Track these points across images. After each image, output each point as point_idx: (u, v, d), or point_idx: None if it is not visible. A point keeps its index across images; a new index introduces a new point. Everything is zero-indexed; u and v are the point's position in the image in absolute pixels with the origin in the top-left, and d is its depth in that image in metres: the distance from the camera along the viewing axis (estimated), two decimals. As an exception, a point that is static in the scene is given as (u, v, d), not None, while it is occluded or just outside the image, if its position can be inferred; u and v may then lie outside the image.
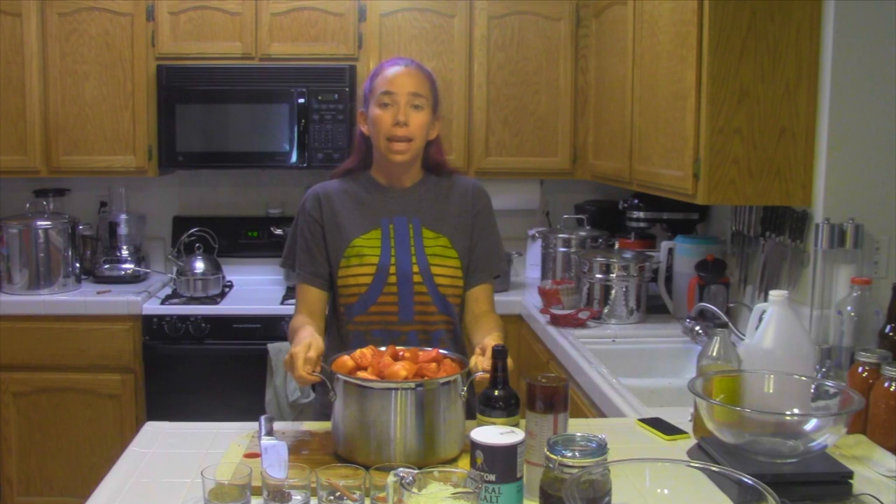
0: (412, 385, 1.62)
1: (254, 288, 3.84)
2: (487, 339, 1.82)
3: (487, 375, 1.64)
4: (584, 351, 2.66)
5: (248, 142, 3.62)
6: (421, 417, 1.61)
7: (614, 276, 3.10)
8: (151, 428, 1.94)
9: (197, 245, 3.68)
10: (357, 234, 2.06)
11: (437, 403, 1.63)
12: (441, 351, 1.77)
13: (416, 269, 2.03)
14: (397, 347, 1.80)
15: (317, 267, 2.09)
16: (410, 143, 2.02)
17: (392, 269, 2.03)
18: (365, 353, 1.75)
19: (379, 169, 2.12)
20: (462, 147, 3.70)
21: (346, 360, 1.73)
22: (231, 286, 3.83)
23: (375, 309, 2.03)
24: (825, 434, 1.54)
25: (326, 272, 2.09)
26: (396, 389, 1.61)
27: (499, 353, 1.59)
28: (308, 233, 2.10)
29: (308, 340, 1.75)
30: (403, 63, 2.07)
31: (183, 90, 3.57)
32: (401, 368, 1.67)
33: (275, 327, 3.41)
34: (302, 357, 1.70)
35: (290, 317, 3.33)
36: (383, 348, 1.79)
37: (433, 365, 1.70)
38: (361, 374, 1.68)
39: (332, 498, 1.43)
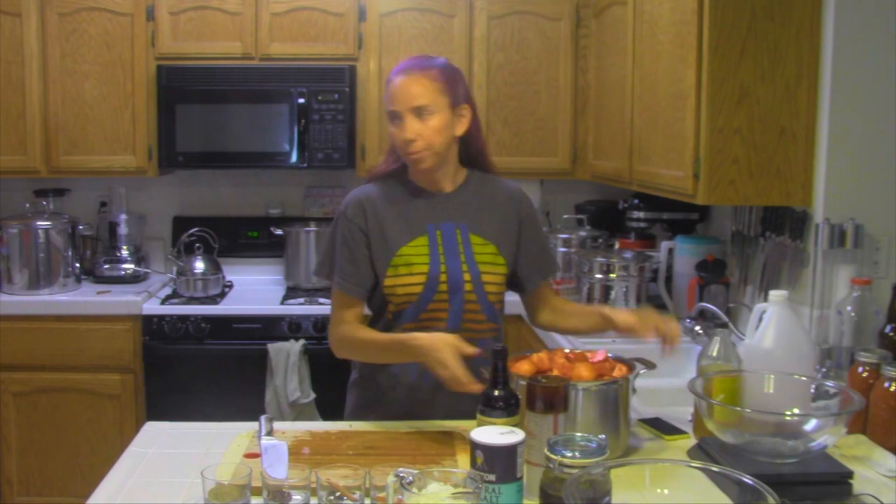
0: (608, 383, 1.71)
1: (254, 288, 3.84)
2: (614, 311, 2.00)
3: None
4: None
5: (248, 142, 3.62)
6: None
7: (614, 276, 3.10)
8: (151, 428, 1.95)
9: (197, 245, 3.68)
10: (404, 242, 2.01)
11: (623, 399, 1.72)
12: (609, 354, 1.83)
13: (467, 276, 2.00)
14: (566, 350, 1.85)
15: (361, 277, 2.02)
16: (429, 150, 1.96)
17: (443, 278, 1.98)
18: (542, 357, 1.78)
19: (414, 174, 2.07)
20: (462, 147, 3.69)
21: (524, 363, 1.77)
22: (231, 286, 3.83)
23: (425, 316, 2.00)
24: (825, 434, 1.54)
25: (370, 283, 2.03)
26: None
27: (499, 354, 1.59)
28: (352, 241, 2.02)
29: (456, 345, 1.80)
30: (405, 71, 1.97)
31: (183, 90, 3.57)
32: (584, 370, 1.72)
33: (275, 327, 3.41)
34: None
35: (290, 317, 3.39)
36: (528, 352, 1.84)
37: (607, 364, 1.78)
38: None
39: (332, 498, 1.43)
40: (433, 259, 1.99)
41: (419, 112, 1.94)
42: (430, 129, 1.95)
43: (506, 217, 2.08)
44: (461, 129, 2.01)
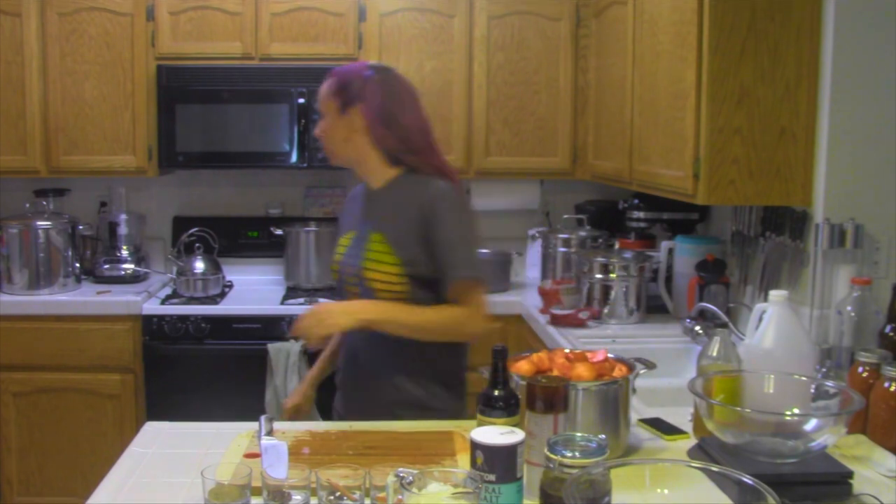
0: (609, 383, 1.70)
1: (254, 288, 3.84)
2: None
3: None
4: (584, 351, 2.66)
5: (248, 142, 3.62)
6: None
7: (614, 276, 3.10)
8: (151, 428, 1.95)
9: (197, 245, 3.68)
10: (341, 235, 2.25)
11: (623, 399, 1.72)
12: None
13: (350, 270, 2.13)
14: (566, 350, 1.84)
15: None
16: (326, 149, 2.19)
17: (345, 270, 2.17)
18: (542, 357, 1.77)
19: None
20: (462, 147, 3.70)
21: (524, 363, 1.75)
22: (231, 286, 3.83)
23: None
24: (825, 434, 1.54)
25: None
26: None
27: (499, 354, 1.59)
28: None
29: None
30: None
31: (183, 90, 3.57)
32: (584, 370, 1.71)
33: (275, 327, 3.41)
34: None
35: (289, 316, 3.39)
36: (528, 352, 1.83)
37: (607, 364, 1.77)
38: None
39: (332, 498, 1.43)
40: (344, 252, 2.19)
41: (320, 115, 2.18)
42: (319, 130, 2.18)
43: (408, 218, 2.07)
44: (352, 130, 2.12)
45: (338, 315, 1.99)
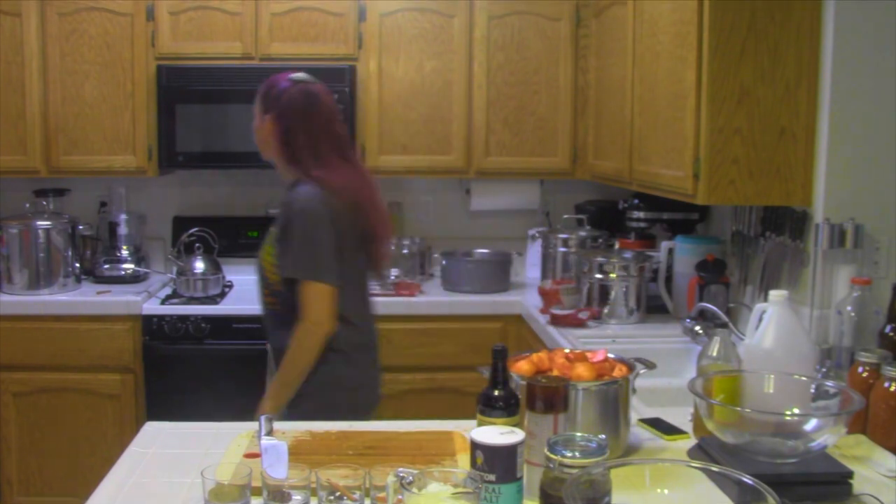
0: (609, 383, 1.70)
1: (254, 288, 3.80)
2: None
3: None
4: (584, 351, 2.66)
5: (249, 142, 3.57)
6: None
7: (614, 276, 3.10)
8: (151, 428, 1.95)
9: (197, 245, 3.68)
10: None
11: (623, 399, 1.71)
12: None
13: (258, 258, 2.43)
14: (566, 350, 1.85)
15: None
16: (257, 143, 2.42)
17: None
18: (542, 357, 1.78)
19: None
20: (462, 147, 3.70)
21: (524, 363, 1.75)
22: (231, 286, 3.83)
23: None
24: (825, 434, 1.54)
25: None
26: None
27: (499, 354, 1.59)
28: None
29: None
30: None
31: (183, 90, 3.57)
32: (584, 370, 1.71)
33: (275, 327, 3.41)
34: None
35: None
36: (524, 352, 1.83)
37: (607, 364, 1.76)
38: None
39: (332, 498, 1.43)
40: None
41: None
42: (254, 129, 2.44)
43: (281, 218, 2.30)
44: (266, 132, 2.37)
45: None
